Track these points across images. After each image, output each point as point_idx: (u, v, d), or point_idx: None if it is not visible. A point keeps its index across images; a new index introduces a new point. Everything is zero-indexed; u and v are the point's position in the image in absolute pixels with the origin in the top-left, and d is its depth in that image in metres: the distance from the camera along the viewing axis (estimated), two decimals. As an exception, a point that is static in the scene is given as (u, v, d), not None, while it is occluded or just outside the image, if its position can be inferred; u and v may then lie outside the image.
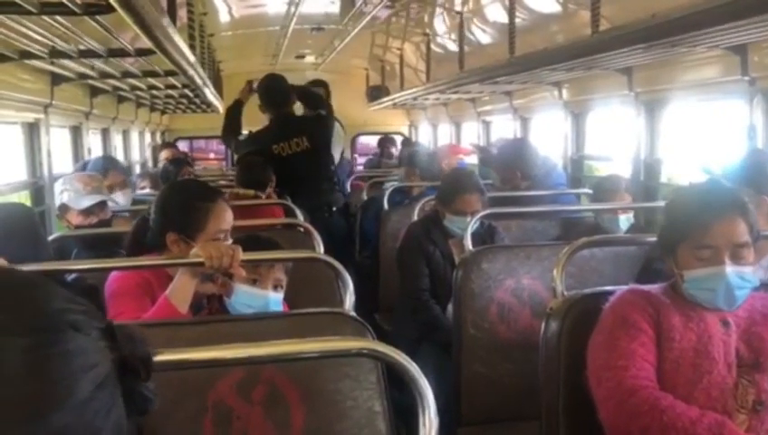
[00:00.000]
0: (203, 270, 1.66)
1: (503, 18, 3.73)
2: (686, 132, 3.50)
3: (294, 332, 1.48)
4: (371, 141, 8.53)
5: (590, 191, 3.13)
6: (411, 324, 2.78)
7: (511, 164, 3.38)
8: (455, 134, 6.89)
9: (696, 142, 3.56)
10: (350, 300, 1.70)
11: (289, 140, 3.93)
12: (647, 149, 3.37)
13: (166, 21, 1.98)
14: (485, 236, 2.73)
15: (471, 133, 6.35)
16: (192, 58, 2.84)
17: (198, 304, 1.77)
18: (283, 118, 4.01)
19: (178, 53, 2.41)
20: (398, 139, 8.05)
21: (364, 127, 8.35)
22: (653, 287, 1.60)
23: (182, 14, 3.25)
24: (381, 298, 3.64)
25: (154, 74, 3.76)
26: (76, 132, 4.33)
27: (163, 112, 7.61)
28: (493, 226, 2.81)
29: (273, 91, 4.04)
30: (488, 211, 2.55)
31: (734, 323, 1.53)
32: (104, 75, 3.71)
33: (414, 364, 1.03)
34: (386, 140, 7.57)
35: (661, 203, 2.30)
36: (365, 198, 4.59)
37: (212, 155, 9.51)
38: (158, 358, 1.05)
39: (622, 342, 1.50)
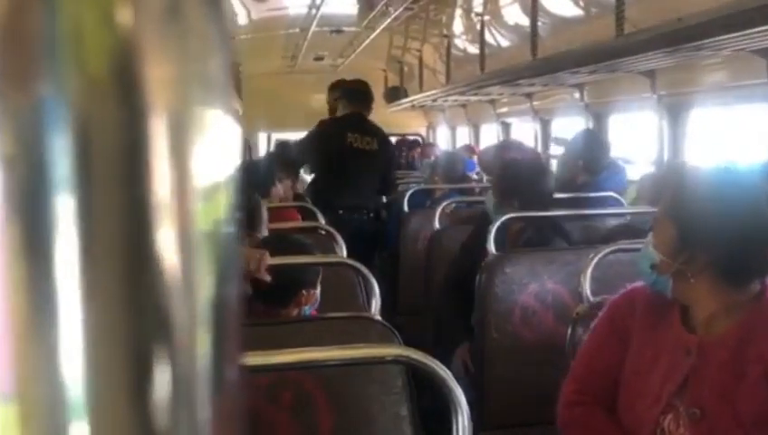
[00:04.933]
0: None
1: (524, 21, 3.73)
2: (711, 135, 3.47)
3: (322, 336, 1.49)
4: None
5: (616, 195, 3.09)
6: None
7: (577, 151, 3.27)
8: (473, 136, 6.87)
9: (722, 146, 3.52)
10: (376, 304, 1.71)
11: (363, 135, 4.02)
12: (670, 152, 3.35)
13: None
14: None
15: (490, 135, 6.34)
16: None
17: None
18: (361, 115, 4.12)
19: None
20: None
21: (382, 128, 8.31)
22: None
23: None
24: (401, 300, 3.65)
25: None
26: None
27: (182, 114, 7.66)
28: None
29: (361, 91, 4.19)
30: (516, 214, 2.50)
31: (709, 355, 1.32)
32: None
33: (448, 371, 1.03)
34: (403, 143, 7.55)
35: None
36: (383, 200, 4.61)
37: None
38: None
39: (587, 353, 1.50)
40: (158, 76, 0.18)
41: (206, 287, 0.19)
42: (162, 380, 0.18)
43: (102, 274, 0.17)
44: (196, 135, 0.19)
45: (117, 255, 0.17)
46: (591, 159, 3.21)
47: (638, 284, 1.47)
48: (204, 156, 0.19)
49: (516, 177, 2.64)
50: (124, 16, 0.17)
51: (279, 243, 1.75)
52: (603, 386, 1.43)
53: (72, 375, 0.17)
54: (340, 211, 3.88)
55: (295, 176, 3.89)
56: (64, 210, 0.17)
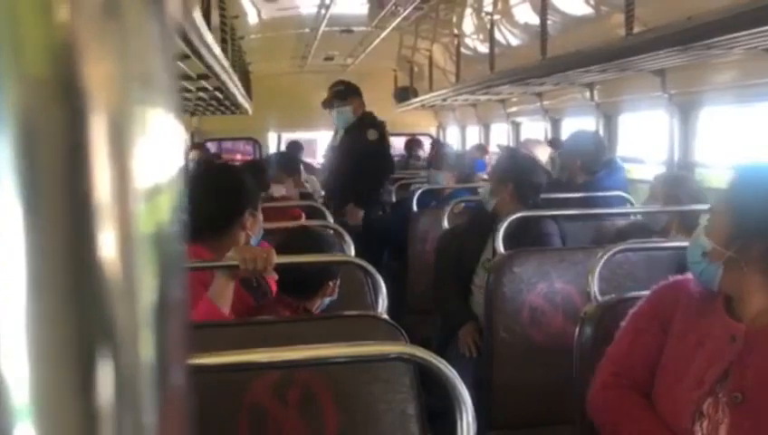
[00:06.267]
0: (239, 273, 1.68)
1: (533, 20, 3.71)
2: (722, 134, 3.45)
3: (329, 334, 1.49)
4: (396, 142, 8.49)
5: (625, 195, 3.08)
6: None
7: (574, 152, 3.30)
8: (483, 135, 6.86)
9: (733, 144, 3.50)
10: (382, 303, 1.71)
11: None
12: (680, 152, 3.33)
13: (203, 26, 2.00)
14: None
15: (500, 135, 6.33)
16: (226, 63, 2.86)
17: (263, 293, 1.83)
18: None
19: (212, 58, 2.44)
20: (425, 140, 8.00)
21: (392, 128, 8.30)
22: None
23: (214, 17, 3.28)
24: (409, 301, 3.64)
25: (186, 77, 3.79)
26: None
27: (192, 114, 7.69)
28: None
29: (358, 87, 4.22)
30: (525, 213, 2.50)
31: (755, 342, 1.33)
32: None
33: (452, 370, 1.03)
34: (413, 142, 7.57)
35: (703, 206, 2.23)
36: (393, 199, 4.61)
37: (239, 156, 9.57)
38: (197, 361, 1.07)
39: (625, 337, 1.50)
40: (97, 75, 0.17)
41: (149, 288, 0.19)
42: (106, 382, 0.18)
43: (44, 275, 0.17)
44: (137, 135, 0.19)
45: (59, 256, 0.17)
46: (588, 159, 3.23)
47: (680, 277, 1.49)
48: (146, 156, 0.19)
49: (513, 163, 2.82)
50: (61, 14, 0.17)
51: (297, 236, 1.79)
52: (641, 371, 1.45)
53: (15, 377, 0.16)
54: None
55: (297, 175, 3.90)
56: (4, 211, 0.16)
